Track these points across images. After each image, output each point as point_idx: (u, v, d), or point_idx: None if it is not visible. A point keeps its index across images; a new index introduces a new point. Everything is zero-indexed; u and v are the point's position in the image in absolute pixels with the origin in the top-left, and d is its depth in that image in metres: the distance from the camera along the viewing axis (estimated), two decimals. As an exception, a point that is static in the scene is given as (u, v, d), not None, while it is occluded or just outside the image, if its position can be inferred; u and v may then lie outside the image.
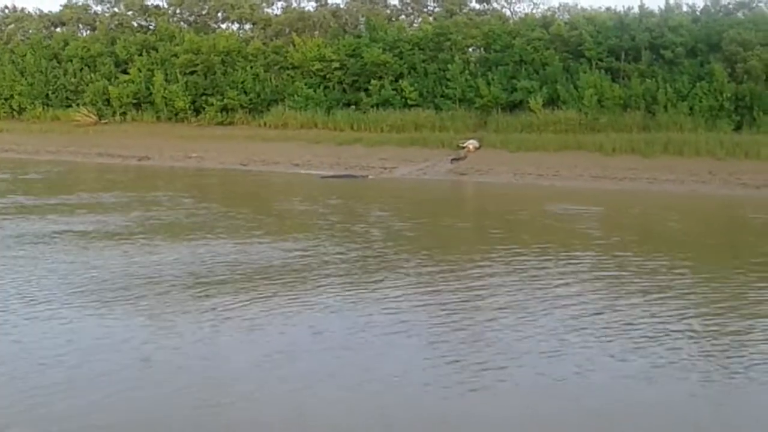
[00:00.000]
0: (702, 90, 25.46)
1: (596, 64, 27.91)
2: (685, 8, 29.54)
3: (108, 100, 35.22)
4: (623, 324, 8.52)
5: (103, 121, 34.83)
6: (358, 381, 6.91)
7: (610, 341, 8.00)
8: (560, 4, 35.08)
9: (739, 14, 28.72)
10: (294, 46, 33.39)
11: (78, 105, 35.64)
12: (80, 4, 41.66)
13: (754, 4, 29.39)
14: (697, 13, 29.14)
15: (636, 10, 30.05)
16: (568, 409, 6.44)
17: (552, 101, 27.49)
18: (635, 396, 6.68)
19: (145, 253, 11.95)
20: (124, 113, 35.05)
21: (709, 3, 29.63)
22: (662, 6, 29.52)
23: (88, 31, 41.30)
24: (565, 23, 30.35)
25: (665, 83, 26.06)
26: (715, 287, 10.23)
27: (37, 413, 6.15)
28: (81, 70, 36.78)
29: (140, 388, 6.70)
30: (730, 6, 29.55)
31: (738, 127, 24.80)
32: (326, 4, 38.23)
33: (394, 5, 37.70)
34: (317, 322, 8.54)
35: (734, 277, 10.77)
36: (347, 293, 9.70)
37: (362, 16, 36.53)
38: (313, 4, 38.60)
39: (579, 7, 33.83)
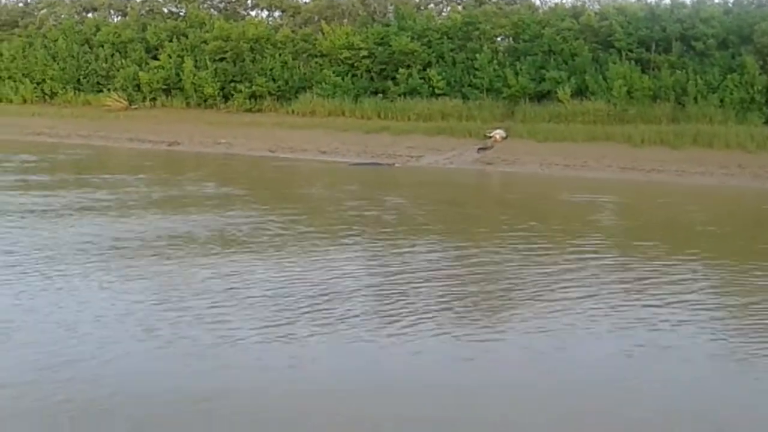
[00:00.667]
0: (733, 82, 25.24)
1: (626, 54, 27.72)
2: (717, 0, 29.30)
3: (138, 86, 35.57)
4: (609, 307, 8.70)
5: (133, 107, 35.21)
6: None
7: (593, 322, 8.17)
8: (590, -6, 34.89)
9: (773, 6, 28.40)
10: (323, 33, 33.49)
11: (109, 90, 36.04)
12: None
13: (787, -4, 29.05)
14: (729, 5, 28.81)
15: (667, 1, 29.86)
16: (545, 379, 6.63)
17: (580, 92, 27.37)
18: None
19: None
20: (154, 99, 35.40)
21: (741, -6, 29.34)
22: (694, -3, 29.31)
23: (120, 17, 41.70)
24: (596, 13, 30.14)
25: (696, 75, 25.85)
26: (709, 274, 10.28)
27: None
28: (112, 55, 37.15)
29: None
30: (763, -2, 29.22)
31: (769, 120, 24.60)
32: (355, -8, 38.26)
33: (423, -6, 37.65)
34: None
35: (735, 266, 10.79)
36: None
37: (391, 5, 36.52)
38: (343, -8, 38.69)
39: (609, -3, 33.62)
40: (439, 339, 7.58)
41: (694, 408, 6.27)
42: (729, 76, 25.37)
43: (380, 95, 30.93)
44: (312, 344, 7.29)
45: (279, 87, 33.00)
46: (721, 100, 25.06)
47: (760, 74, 25.12)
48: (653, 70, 27.29)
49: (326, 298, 8.68)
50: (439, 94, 29.66)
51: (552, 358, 7.18)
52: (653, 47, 27.86)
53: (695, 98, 25.38)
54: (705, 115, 24.57)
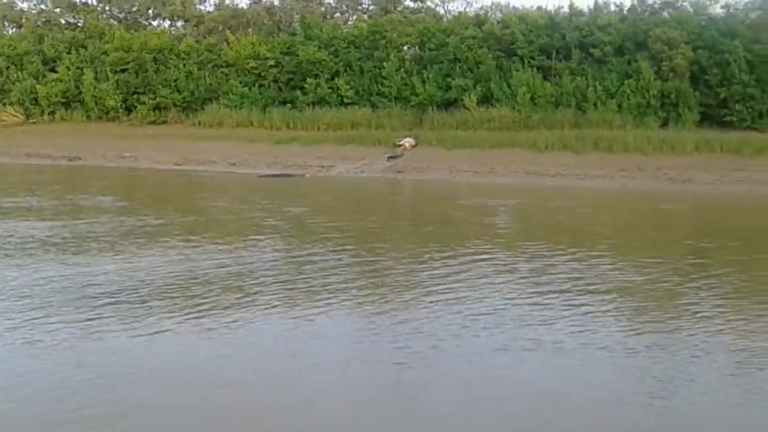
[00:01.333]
0: (630, 88, 26.27)
1: (528, 62, 28.48)
2: (613, 7, 30.46)
3: (36, 99, 34.27)
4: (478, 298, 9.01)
5: (31, 121, 33.91)
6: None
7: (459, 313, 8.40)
8: (492, 3, 35.78)
9: (665, 13, 29.69)
10: (228, 43, 33.12)
11: (4, 104, 34.58)
12: (5, 1, 40.40)
13: (678, 4, 30.39)
14: (625, 12, 30.02)
15: (566, 9, 30.89)
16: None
17: (486, 99, 27.94)
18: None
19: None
20: (52, 112, 34.15)
21: (635, 2, 30.55)
22: (591, 5, 30.39)
23: (15, 29, 40.13)
24: (498, 22, 30.88)
25: (595, 81, 26.80)
26: (576, 268, 10.63)
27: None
28: (7, 68, 35.68)
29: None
30: (656, 5, 30.50)
31: (664, 124, 25.70)
32: (260, 1, 37.96)
33: (329, 3, 37.68)
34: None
35: (603, 258, 11.24)
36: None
37: (297, 14, 36.48)
38: (247, 1, 38.36)
39: (511, 6, 34.57)
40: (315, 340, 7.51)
41: (559, 390, 6.42)
42: (626, 82, 26.40)
43: (289, 105, 30.76)
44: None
45: (184, 98, 32.41)
46: (619, 106, 26.05)
47: (655, 79, 26.22)
48: (555, 77, 28.11)
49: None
50: (347, 103, 29.74)
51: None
52: (554, 55, 28.70)
53: (595, 104, 26.30)
54: (605, 120, 25.52)
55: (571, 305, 8.80)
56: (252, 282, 9.72)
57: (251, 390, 6.39)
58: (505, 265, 10.95)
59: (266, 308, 8.59)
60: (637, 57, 27.13)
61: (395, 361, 7.05)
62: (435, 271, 10.45)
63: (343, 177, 23.57)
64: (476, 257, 11.38)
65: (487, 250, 11.93)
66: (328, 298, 9.00)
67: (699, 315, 8.54)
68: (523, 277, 10.21)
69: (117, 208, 16.83)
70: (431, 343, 7.49)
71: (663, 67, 26.54)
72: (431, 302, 8.90)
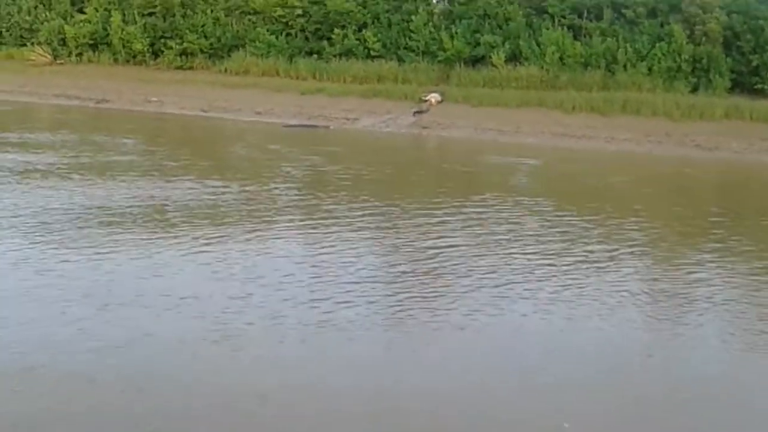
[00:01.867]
0: (661, 51, 25.90)
1: (559, 20, 28.10)
2: (648, -32, 29.85)
3: (64, 40, 34.28)
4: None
5: (58, 62, 33.99)
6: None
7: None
8: (526, -41, 35.08)
9: (700, -24, 29.13)
10: (256, -10, 32.85)
11: (32, 44, 34.69)
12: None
13: (714, -33, 29.82)
14: (660, -26, 29.45)
15: (600, -32, 30.28)
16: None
17: (514, 57, 27.66)
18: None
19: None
20: (80, 54, 34.15)
21: (671, -36, 29.99)
22: (626, -35, 29.81)
23: (43, -32, 39.95)
24: (530, -22, 30.38)
25: (626, 43, 26.42)
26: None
27: None
28: (35, 8, 35.64)
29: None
30: (692, -32, 29.93)
31: (695, 89, 25.39)
32: (290, -52, 37.52)
33: (359, -48, 37.16)
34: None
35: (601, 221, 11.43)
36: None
37: (327, -37, 36.01)
38: (276, -52, 37.88)
39: (544, -38, 33.83)
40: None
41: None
42: (657, 45, 26.02)
43: (315, 56, 30.61)
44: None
45: (211, 44, 32.30)
46: (650, 68, 25.72)
47: (687, 43, 25.83)
48: (585, 37, 27.75)
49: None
50: (374, 56, 29.54)
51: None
52: (585, 14, 28.30)
53: (625, 66, 25.97)
54: (634, 83, 25.22)
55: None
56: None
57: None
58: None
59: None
60: (669, 20, 26.70)
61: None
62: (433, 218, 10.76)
63: (368, 130, 23.62)
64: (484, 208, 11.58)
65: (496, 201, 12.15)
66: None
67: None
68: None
69: (140, 149, 17.07)
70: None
71: (696, 31, 26.13)
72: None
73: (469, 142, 21.92)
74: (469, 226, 10.89)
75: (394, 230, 10.61)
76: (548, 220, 11.64)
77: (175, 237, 9.65)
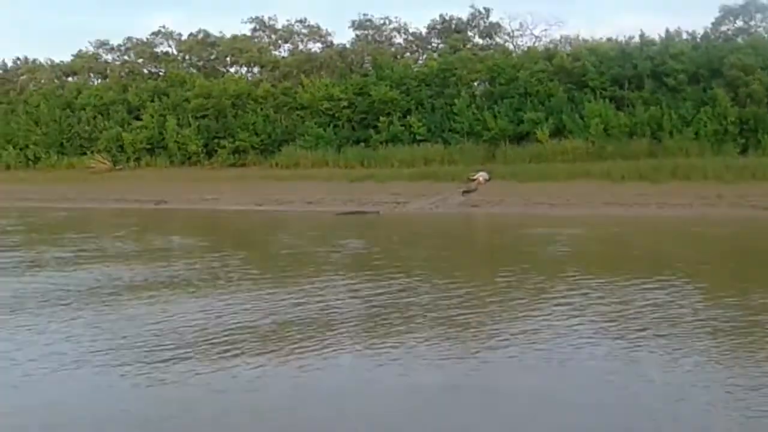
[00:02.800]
0: (706, 115, 25.97)
1: (600, 93, 28.48)
2: (685, 36, 30.24)
3: (122, 147, 35.92)
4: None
5: (117, 168, 35.49)
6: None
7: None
8: (562, 37, 35.91)
9: (739, 39, 29.38)
10: (302, 86, 34.11)
11: (92, 152, 36.34)
12: (90, 53, 42.61)
13: (752, 30, 30.08)
14: (698, 40, 29.80)
15: (637, 39, 30.81)
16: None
17: (558, 131, 28.03)
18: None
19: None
20: (138, 159, 35.72)
21: (708, 29, 30.33)
22: (662, 34, 30.26)
23: (99, 80, 42.20)
24: (568, 55, 31.02)
25: (669, 110, 26.60)
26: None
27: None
28: (94, 117, 37.58)
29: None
30: (730, 32, 30.23)
31: (744, 150, 25.29)
32: (332, 44, 39.07)
33: (399, 43, 38.50)
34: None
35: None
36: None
37: (368, 55, 37.33)
38: (319, 45, 39.52)
39: (581, 38, 34.57)
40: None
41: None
42: (702, 110, 26.12)
43: (362, 144, 31.45)
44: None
45: (262, 140, 33.46)
46: (696, 133, 25.77)
47: (731, 106, 25.88)
48: (628, 107, 28.00)
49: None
50: (420, 140, 30.23)
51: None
52: (626, 85, 28.65)
53: (670, 132, 26.07)
54: (681, 149, 25.25)
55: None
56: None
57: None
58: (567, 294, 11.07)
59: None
60: (712, 84, 26.86)
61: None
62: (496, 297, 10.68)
63: (418, 212, 23.92)
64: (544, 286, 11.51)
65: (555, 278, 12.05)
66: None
67: None
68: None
69: (201, 247, 17.50)
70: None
71: (740, 93, 26.21)
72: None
73: (519, 217, 21.98)
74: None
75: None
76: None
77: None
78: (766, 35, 29.04)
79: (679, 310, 9.71)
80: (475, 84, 32.42)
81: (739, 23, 30.50)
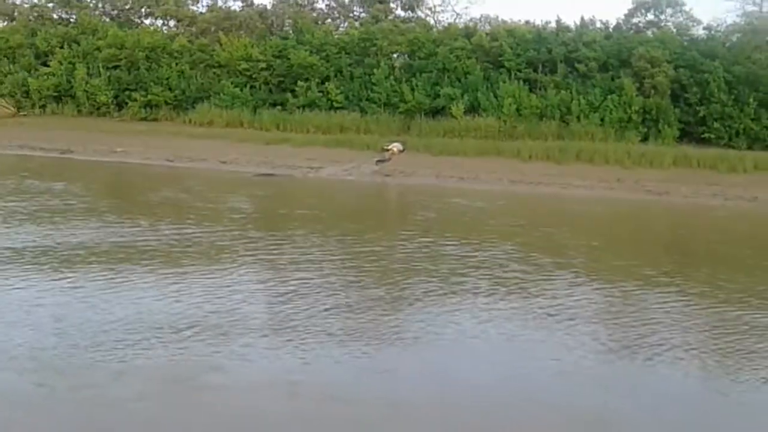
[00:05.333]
0: (612, 102, 27.07)
1: (515, 74, 29.22)
2: (598, 24, 31.28)
3: (27, 92, 34.51)
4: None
5: (21, 114, 34.16)
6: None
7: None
8: (482, 16, 36.59)
9: (649, 32, 30.58)
10: (220, 45, 33.55)
11: (-4, 96, 34.86)
12: (-3, -6, 40.60)
13: (662, 23, 31.34)
14: (610, 30, 30.87)
15: (553, 24, 31.70)
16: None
17: (473, 108, 28.62)
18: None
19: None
20: (43, 106, 34.44)
21: (621, 20, 31.46)
22: (577, 22, 31.24)
23: (7, 22, 40.32)
24: (487, 34, 31.60)
25: (579, 95, 27.57)
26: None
27: None
28: (-1, 61, 35.99)
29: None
30: (641, 24, 31.42)
31: (645, 138, 26.50)
32: (252, 4, 38.50)
33: (321, 9, 38.30)
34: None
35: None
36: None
37: (289, 18, 37.00)
38: (240, 3, 38.86)
39: (500, 19, 35.31)
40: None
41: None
42: (609, 97, 27.21)
43: (279, 107, 31.26)
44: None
45: (175, 96, 32.81)
46: (602, 119, 26.85)
47: (636, 95, 27.04)
48: (540, 89, 28.84)
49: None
50: (337, 108, 30.30)
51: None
52: (540, 68, 29.47)
53: (578, 117, 27.07)
54: (587, 133, 26.29)
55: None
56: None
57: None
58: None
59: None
60: (620, 73, 27.95)
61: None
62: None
63: (332, 178, 24.12)
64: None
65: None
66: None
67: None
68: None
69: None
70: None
71: (645, 84, 27.37)
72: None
73: (429, 189, 22.51)
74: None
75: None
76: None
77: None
78: (674, 30, 30.31)
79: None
80: (395, 56, 32.63)
81: (650, 16, 31.70)
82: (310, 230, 14.30)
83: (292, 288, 10.09)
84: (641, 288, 11.05)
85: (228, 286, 10.12)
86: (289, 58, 31.74)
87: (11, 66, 35.51)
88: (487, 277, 11.12)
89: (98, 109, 33.56)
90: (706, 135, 26.59)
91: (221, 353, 7.76)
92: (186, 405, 6.75)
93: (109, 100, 33.24)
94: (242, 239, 13.38)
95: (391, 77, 30.48)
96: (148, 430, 6.30)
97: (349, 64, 31.54)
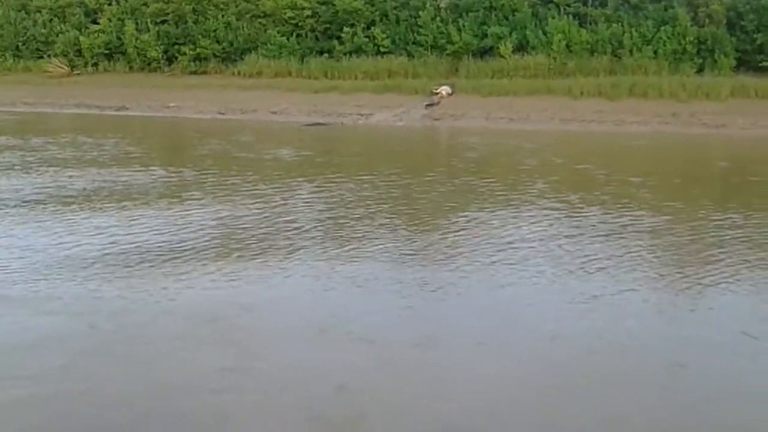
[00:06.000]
0: (666, 34, 26.38)
1: (564, 9, 28.63)
2: (649, -47, 30.29)
3: (79, 51, 35.08)
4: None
5: (75, 72, 34.83)
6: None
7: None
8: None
9: (702, -41, 29.54)
10: (265, -6, 33.52)
11: (49, 56, 35.52)
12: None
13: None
14: (661, -42, 29.90)
15: (603, -45, 30.78)
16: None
17: (521, 47, 28.21)
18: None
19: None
20: (96, 64, 35.01)
21: (673, -52, 30.42)
22: (628, -49, 30.27)
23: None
24: (534, -31, 30.88)
25: (631, 28, 26.93)
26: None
27: None
28: (51, 20, 36.52)
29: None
30: (694, -49, 30.32)
31: (700, 70, 25.84)
32: (295, -49, 38.16)
33: (364, -48, 37.73)
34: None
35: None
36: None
37: (333, -36, 36.64)
38: (283, -49, 38.52)
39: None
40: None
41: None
42: (662, 28, 26.51)
43: (326, 55, 31.26)
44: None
45: (223, 48, 33.01)
46: (655, 52, 26.23)
47: (691, 25, 26.31)
48: (590, 24, 28.26)
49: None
50: (384, 52, 30.16)
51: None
52: (590, 1, 28.81)
53: (630, 51, 26.49)
54: (640, 67, 25.74)
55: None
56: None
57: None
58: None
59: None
60: (673, 3, 27.20)
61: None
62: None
63: (382, 125, 24.23)
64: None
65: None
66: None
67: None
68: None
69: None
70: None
71: (699, 12, 26.60)
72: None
73: (481, 131, 22.47)
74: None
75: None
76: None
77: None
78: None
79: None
80: (441, -4, 32.20)
81: (704, -58, 30.59)
82: (357, 173, 14.53)
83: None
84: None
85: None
86: (334, 4, 31.57)
87: (62, 25, 36.10)
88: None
89: (149, 64, 33.98)
90: (765, 63, 25.81)
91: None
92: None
93: (159, 55, 33.61)
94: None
95: (438, 18, 30.15)
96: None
97: (395, 8, 31.24)
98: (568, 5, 28.74)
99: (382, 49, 30.30)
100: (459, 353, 6.30)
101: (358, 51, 30.56)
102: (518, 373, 5.97)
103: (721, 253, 9.15)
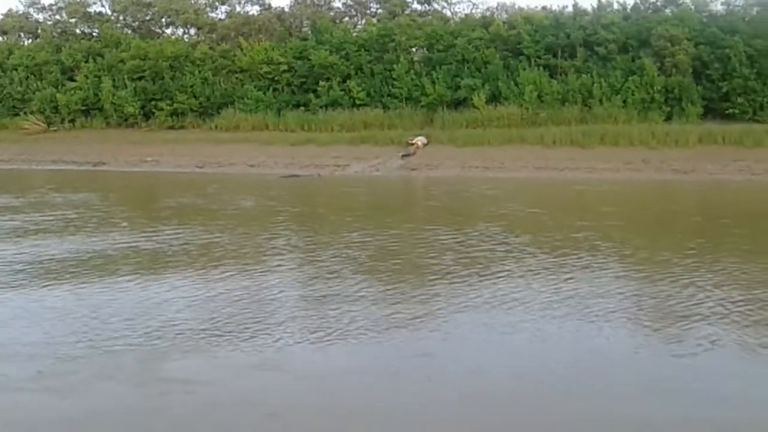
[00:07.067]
0: (634, 84, 27.14)
1: (535, 61, 29.38)
2: (616, 6, 31.31)
3: (56, 108, 35.16)
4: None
5: (52, 129, 34.89)
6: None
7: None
8: (498, 4, 36.68)
9: (667, 11, 30.52)
10: (241, 50, 34.03)
11: (26, 113, 35.57)
12: (21, 12, 41.49)
13: (680, 1, 31.21)
14: (628, 11, 30.87)
15: (570, 8, 31.77)
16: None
17: (494, 97, 28.84)
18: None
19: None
20: (72, 120, 35.09)
21: (638, 0, 31.40)
22: (595, 4, 31.27)
23: (31, 40, 41.15)
24: (504, 23, 31.75)
25: (600, 78, 27.68)
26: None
27: None
28: (27, 78, 36.69)
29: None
30: (658, 3, 31.33)
31: (668, 118, 26.55)
32: (270, 7, 38.96)
33: (338, 7, 38.61)
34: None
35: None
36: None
37: (307, 19, 37.38)
38: (257, 8, 39.33)
39: (516, 6, 35.40)
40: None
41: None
42: (630, 78, 27.28)
43: (302, 108, 31.68)
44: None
45: (200, 103, 33.34)
46: (624, 101, 26.95)
47: (658, 75, 27.09)
48: (561, 75, 28.97)
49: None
50: (360, 105, 30.67)
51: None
52: (559, 53, 29.59)
53: (600, 100, 27.20)
54: (610, 116, 26.44)
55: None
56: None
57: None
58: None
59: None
60: (640, 54, 28.01)
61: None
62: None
63: (358, 175, 24.48)
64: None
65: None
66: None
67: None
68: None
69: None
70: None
71: (666, 63, 27.40)
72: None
73: (457, 180, 22.77)
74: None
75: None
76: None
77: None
78: (692, 7, 30.20)
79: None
80: (414, 50, 32.90)
81: (668, -5, 31.61)
82: (337, 226, 14.61)
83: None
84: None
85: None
86: (309, 59, 32.14)
87: (39, 83, 36.27)
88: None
89: (126, 120, 34.17)
90: (730, 111, 26.58)
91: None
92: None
93: (137, 111, 33.82)
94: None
95: (412, 71, 30.77)
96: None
97: (369, 61, 31.86)
98: (539, 57, 29.49)
99: (357, 102, 30.80)
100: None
101: (334, 104, 31.03)
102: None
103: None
